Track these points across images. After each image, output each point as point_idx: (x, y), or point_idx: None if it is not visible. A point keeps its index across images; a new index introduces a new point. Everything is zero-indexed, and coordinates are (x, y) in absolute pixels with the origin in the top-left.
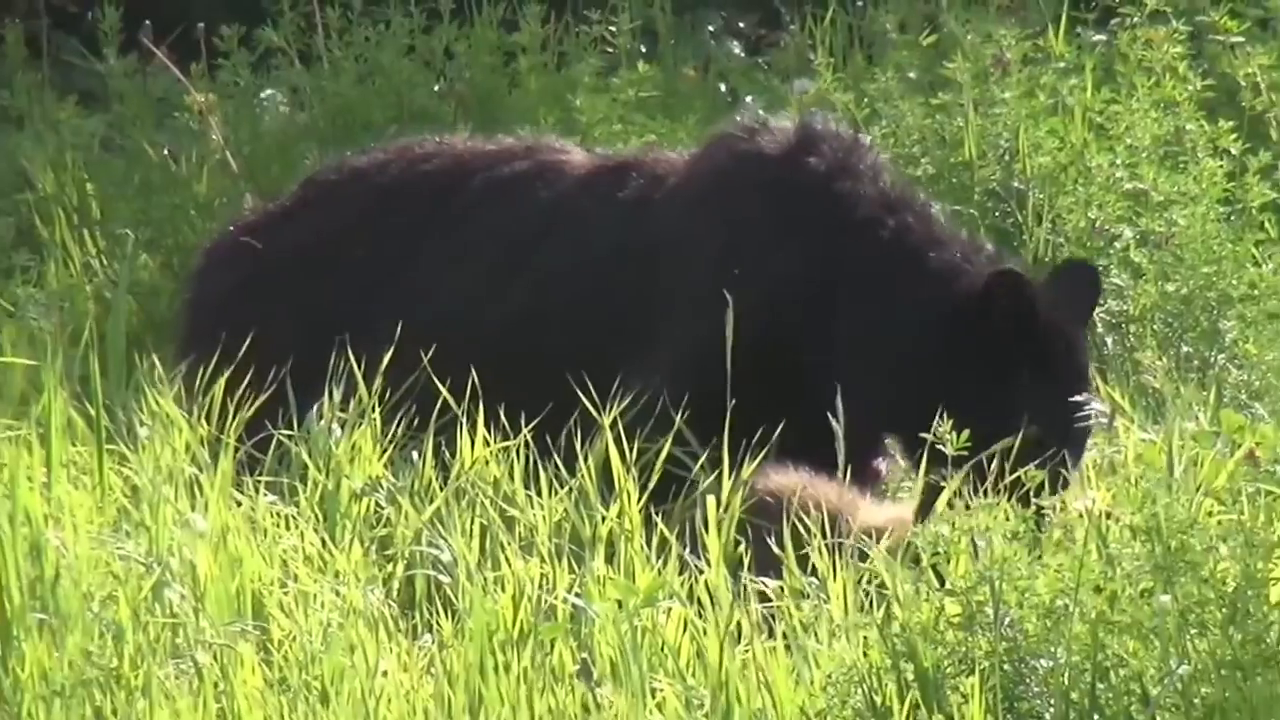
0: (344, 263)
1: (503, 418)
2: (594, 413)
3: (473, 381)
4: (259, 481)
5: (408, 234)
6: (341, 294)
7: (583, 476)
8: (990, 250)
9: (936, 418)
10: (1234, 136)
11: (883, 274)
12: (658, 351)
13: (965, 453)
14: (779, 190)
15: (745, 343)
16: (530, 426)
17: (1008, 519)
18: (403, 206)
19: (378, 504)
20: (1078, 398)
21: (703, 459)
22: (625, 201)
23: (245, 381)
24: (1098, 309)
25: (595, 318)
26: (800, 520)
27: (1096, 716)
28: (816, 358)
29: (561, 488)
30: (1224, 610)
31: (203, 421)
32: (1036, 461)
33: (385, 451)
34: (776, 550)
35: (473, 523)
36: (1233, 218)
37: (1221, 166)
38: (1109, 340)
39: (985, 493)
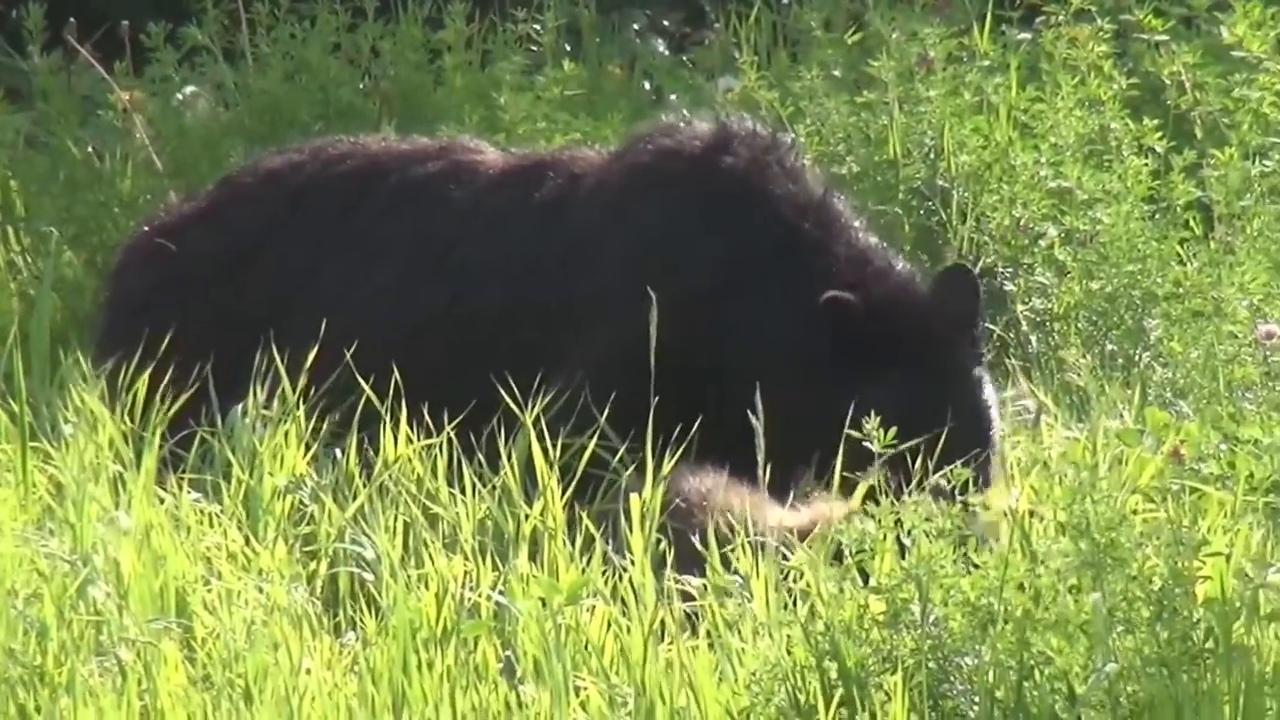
0: (260, 263)
1: (425, 416)
2: (517, 410)
3: (395, 380)
4: (182, 479)
5: (322, 235)
6: (259, 294)
7: (506, 474)
8: (888, 262)
9: (812, 422)
10: (1159, 135)
11: (783, 276)
12: (577, 351)
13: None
14: (693, 189)
15: (661, 341)
16: (452, 425)
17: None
18: (317, 208)
19: (301, 501)
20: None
21: (618, 456)
22: (541, 201)
23: (166, 380)
24: (1019, 309)
25: (513, 318)
26: (717, 521)
27: (1022, 715)
28: (730, 357)
29: (485, 485)
30: (1151, 608)
31: (126, 419)
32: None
33: (308, 449)
34: (700, 548)
35: (396, 520)
36: (1157, 216)
37: (1146, 165)
38: (1034, 338)
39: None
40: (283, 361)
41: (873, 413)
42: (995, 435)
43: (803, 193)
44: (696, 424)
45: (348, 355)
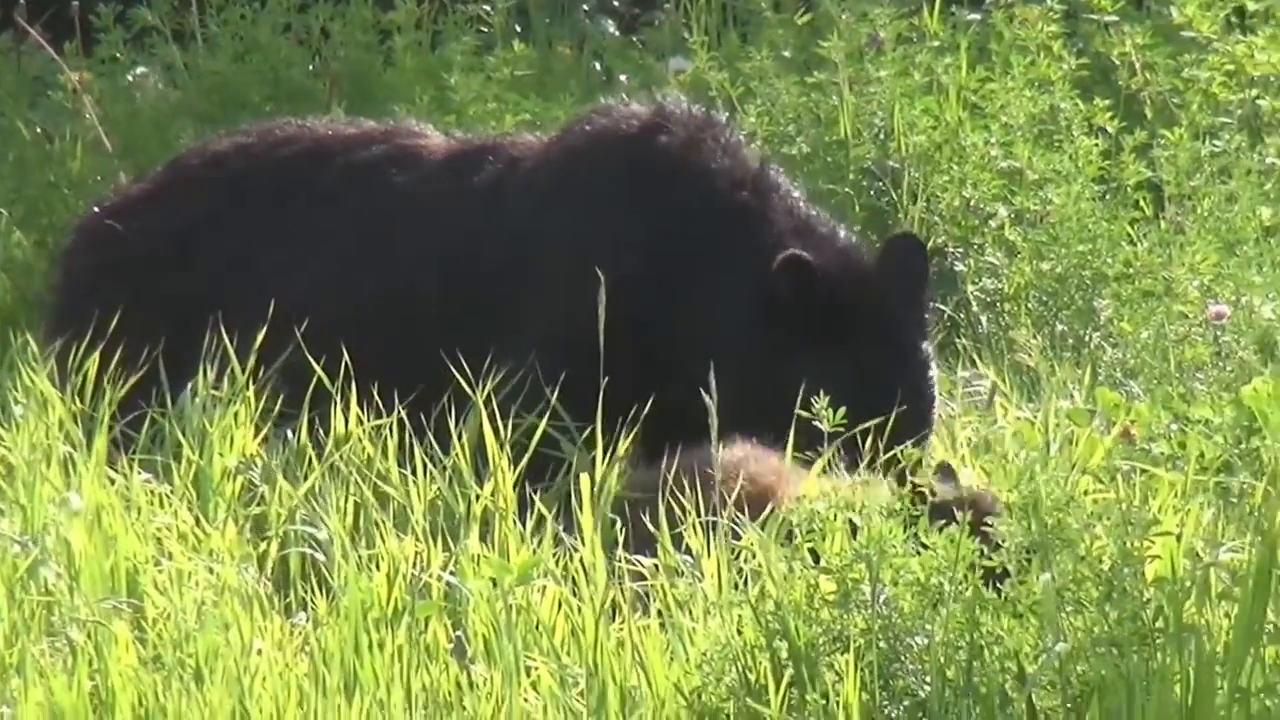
0: (207, 246)
1: (376, 397)
2: (469, 390)
3: (344, 361)
4: (133, 460)
5: (267, 219)
6: (206, 276)
7: (456, 455)
8: (831, 230)
9: (760, 397)
10: (1109, 115)
11: (722, 250)
12: (521, 334)
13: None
14: (629, 169)
15: (604, 321)
16: (401, 405)
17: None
18: (262, 191)
19: (251, 482)
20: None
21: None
22: (482, 185)
23: (116, 361)
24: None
25: (455, 302)
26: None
27: (972, 695)
28: (673, 333)
29: (436, 466)
30: (1100, 588)
31: (76, 400)
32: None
33: (259, 430)
34: (651, 528)
35: (347, 501)
36: (1107, 196)
37: (1096, 145)
38: (984, 319)
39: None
40: (231, 343)
41: (819, 386)
42: (935, 414)
43: (739, 166)
44: (648, 403)
45: (297, 335)
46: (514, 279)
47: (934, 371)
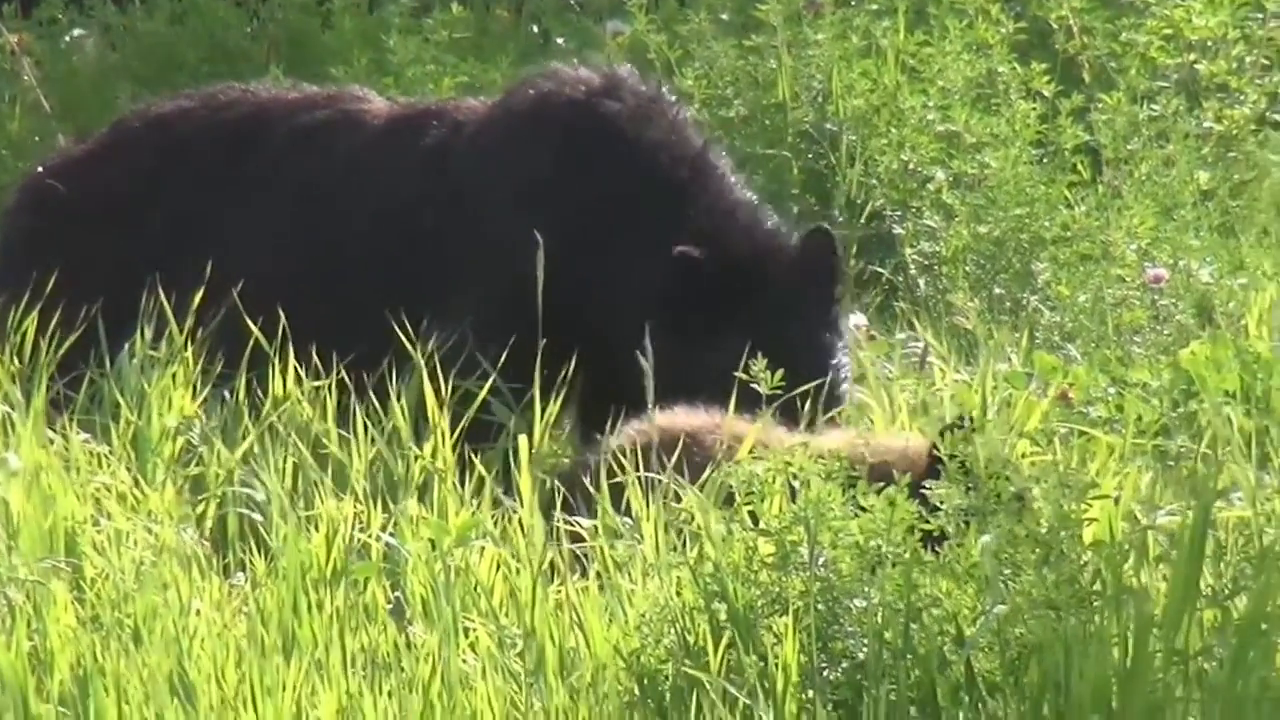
0: (149, 208)
1: (317, 359)
2: (410, 350)
3: (283, 323)
4: (72, 420)
5: (210, 182)
6: (147, 238)
7: (396, 416)
8: (756, 218)
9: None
10: (1046, 79)
11: (652, 223)
12: (462, 296)
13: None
14: (573, 134)
15: (529, 283)
16: (341, 365)
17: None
18: (205, 154)
19: (190, 443)
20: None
21: (498, 397)
22: (426, 149)
23: (56, 321)
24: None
25: (400, 266)
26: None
27: (911, 656)
28: (601, 300)
29: (375, 427)
30: (1038, 551)
31: (15, 360)
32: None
33: (197, 391)
34: (591, 490)
35: (285, 462)
36: (1045, 160)
37: (1034, 108)
38: (922, 282)
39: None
40: (172, 305)
41: (713, 366)
42: (839, 396)
43: (682, 143)
44: (579, 368)
45: (234, 297)
46: (454, 242)
47: (836, 361)
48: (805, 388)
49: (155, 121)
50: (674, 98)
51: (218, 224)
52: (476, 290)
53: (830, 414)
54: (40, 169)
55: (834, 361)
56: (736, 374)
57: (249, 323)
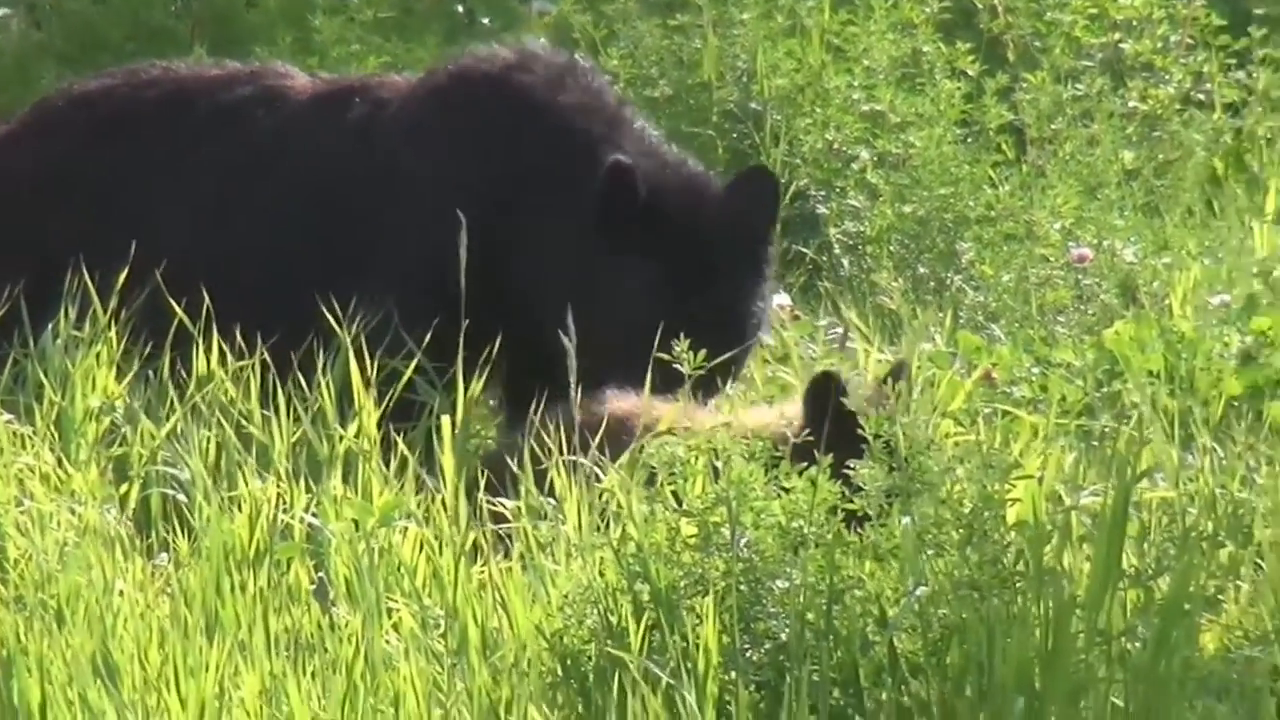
0: (71, 187)
1: (240, 339)
2: (337, 328)
3: (206, 303)
4: None
5: (133, 161)
6: (70, 217)
7: (320, 395)
8: (681, 160)
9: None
10: (971, 58)
11: (574, 182)
12: (385, 274)
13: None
14: (487, 107)
15: (452, 261)
16: (265, 345)
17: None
18: (128, 133)
19: (114, 423)
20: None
21: (422, 377)
22: (349, 126)
23: None
24: (832, 232)
25: (322, 242)
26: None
27: (833, 637)
28: (529, 271)
29: (300, 407)
30: (961, 531)
31: None
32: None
33: (121, 371)
34: (515, 469)
35: (209, 442)
36: (970, 139)
37: (959, 88)
38: (846, 262)
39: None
40: (94, 285)
41: (638, 294)
42: (751, 339)
43: (596, 104)
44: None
45: (157, 276)
46: (376, 218)
47: (761, 299)
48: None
49: (78, 100)
50: (588, 64)
51: (141, 202)
52: (400, 267)
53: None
54: None
55: (753, 299)
56: (655, 304)
57: (172, 302)
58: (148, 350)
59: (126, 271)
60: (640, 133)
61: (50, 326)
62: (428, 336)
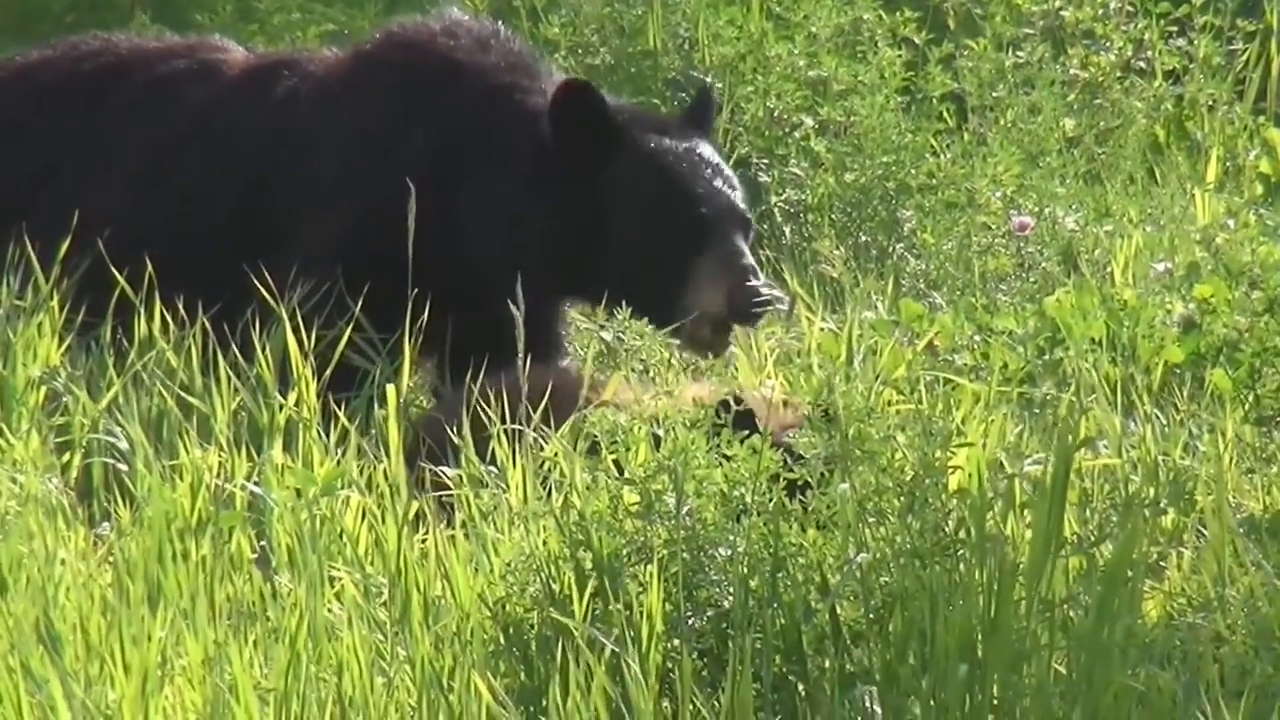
0: (9, 157)
1: (181, 308)
2: (270, 301)
3: (148, 272)
4: None
5: (69, 132)
6: (11, 187)
7: (259, 365)
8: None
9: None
10: (913, 26)
11: (501, 134)
12: (308, 243)
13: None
14: (410, 72)
15: (388, 227)
16: (206, 316)
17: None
18: (65, 104)
19: (55, 392)
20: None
21: (348, 341)
22: (275, 99)
23: None
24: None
25: (253, 213)
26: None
27: (776, 605)
28: (463, 228)
29: (239, 377)
30: (902, 499)
31: None
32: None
33: (62, 340)
34: (455, 439)
35: (150, 411)
36: (911, 107)
37: (901, 56)
38: (787, 229)
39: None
40: (35, 253)
41: (625, 205)
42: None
43: (518, 62)
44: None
45: (100, 245)
46: (308, 187)
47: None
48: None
49: (18, 72)
50: (511, 33)
51: (80, 172)
52: (332, 233)
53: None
54: None
55: (728, 173)
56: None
57: (114, 272)
58: (83, 319)
59: (68, 241)
60: (563, 81)
61: None
62: (365, 303)
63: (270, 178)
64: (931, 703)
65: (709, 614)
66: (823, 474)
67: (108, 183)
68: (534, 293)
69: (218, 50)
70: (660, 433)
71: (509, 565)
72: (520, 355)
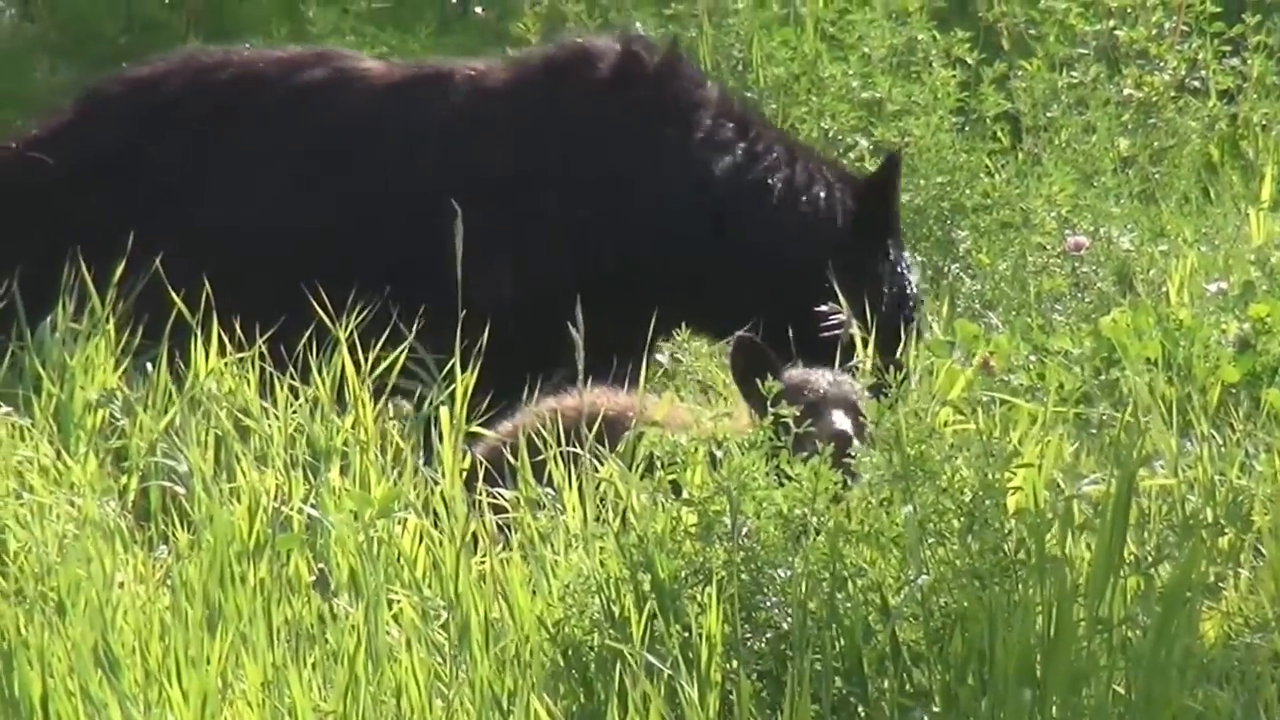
0: (131, 173)
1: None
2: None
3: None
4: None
5: (198, 146)
6: (128, 204)
7: (317, 387)
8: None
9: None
10: (967, 46)
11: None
12: (519, 263)
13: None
14: (648, 112)
15: (621, 257)
16: (358, 321)
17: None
18: (192, 119)
19: (112, 415)
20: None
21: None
22: (456, 114)
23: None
24: None
25: (429, 222)
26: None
27: (835, 626)
28: (717, 259)
29: (297, 399)
30: (962, 519)
31: None
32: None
33: (119, 363)
34: (511, 460)
35: (208, 434)
36: (966, 128)
37: (955, 76)
38: None
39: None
40: (167, 269)
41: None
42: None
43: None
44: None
45: (237, 260)
46: (500, 209)
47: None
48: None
49: (132, 86)
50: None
51: (210, 189)
52: (531, 263)
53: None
54: (14, 142)
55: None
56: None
57: (260, 288)
58: (240, 330)
59: (205, 258)
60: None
61: (49, 319)
62: (560, 330)
63: (456, 190)
64: None
65: (768, 635)
66: (883, 494)
67: (247, 199)
68: (673, 320)
69: (351, 59)
70: (718, 453)
71: (567, 587)
72: (580, 378)
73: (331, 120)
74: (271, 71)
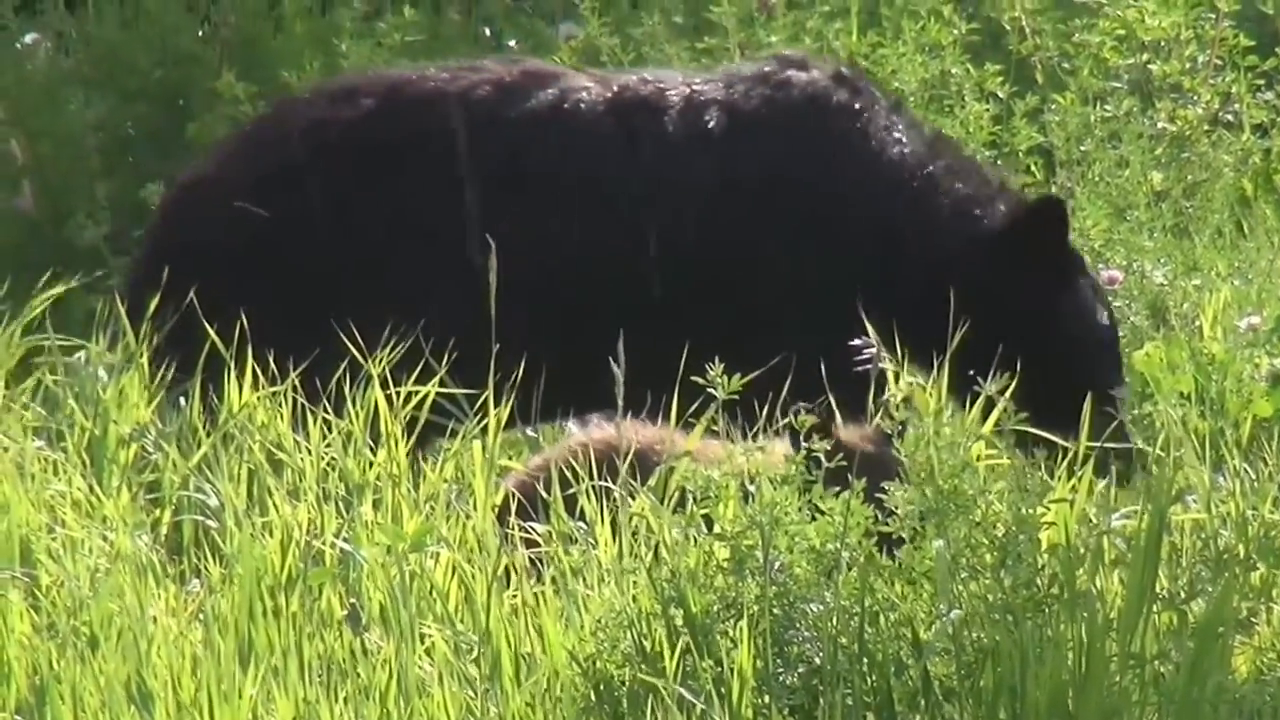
0: (365, 213)
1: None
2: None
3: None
4: (26, 426)
5: (436, 180)
6: (330, 265)
7: (351, 421)
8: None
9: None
10: (1000, 80)
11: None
12: (801, 297)
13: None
14: (894, 136)
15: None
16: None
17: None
18: (390, 159)
19: (145, 449)
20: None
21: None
22: (715, 134)
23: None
24: None
25: (704, 249)
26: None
27: (867, 661)
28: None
29: (331, 431)
30: (995, 554)
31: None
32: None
33: (153, 397)
34: (544, 494)
35: (240, 468)
36: (999, 161)
37: (988, 110)
38: None
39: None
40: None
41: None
42: None
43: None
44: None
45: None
46: (784, 237)
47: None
48: None
49: (350, 127)
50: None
51: (446, 222)
52: (829, 290)
53: None
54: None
55: None
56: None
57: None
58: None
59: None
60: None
61: (82, 353)
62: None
63: (710, 217)
64: None
65: (800, 670)
66: (915, 529)
67: (518, 230)
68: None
69: (564, 75)
70: (751, 488)
71: (600, 621)
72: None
73: (593, 147)
74: (480, 96)
